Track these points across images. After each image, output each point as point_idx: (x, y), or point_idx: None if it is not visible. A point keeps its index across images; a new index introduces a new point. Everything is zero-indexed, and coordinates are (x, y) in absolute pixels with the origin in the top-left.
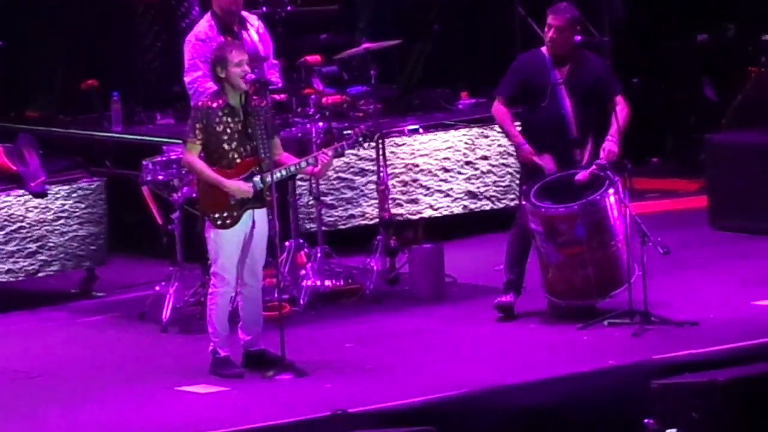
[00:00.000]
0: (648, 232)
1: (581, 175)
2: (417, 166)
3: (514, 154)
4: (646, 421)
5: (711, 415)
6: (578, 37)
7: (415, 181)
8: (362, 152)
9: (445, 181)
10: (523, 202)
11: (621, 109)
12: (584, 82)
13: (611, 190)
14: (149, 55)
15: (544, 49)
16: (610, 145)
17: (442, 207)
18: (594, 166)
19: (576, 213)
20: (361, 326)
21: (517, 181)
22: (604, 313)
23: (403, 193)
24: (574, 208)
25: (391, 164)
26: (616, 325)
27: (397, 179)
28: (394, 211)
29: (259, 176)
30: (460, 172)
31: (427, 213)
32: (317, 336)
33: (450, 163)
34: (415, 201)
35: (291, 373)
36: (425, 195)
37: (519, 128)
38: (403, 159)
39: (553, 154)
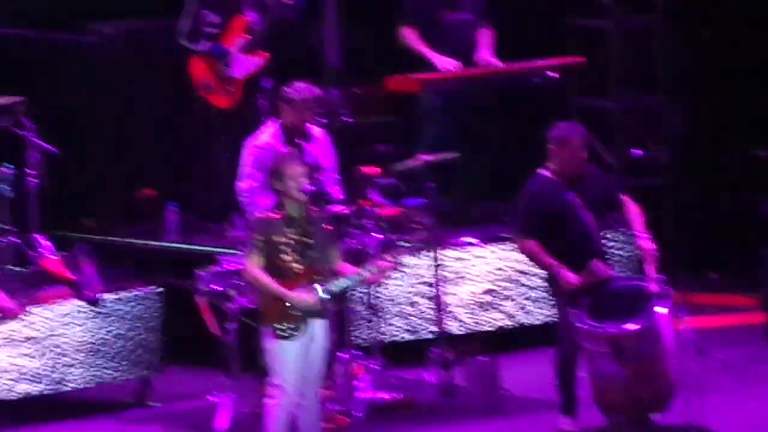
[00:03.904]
0: (705, 347)
1: (652, 287)
2: (473, 279)
3: None
4: None
5: None
6: (640, 152)
7: (471, 293)
8: (418, 264)
9: (501, 294)
10: (579, 325)
11: (633, 205)
12: (596, 194)
13: (665, 302)
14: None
15: (546, 172)
16: (647, 244)
17: (499, 320)
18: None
19: (644, 330)
20: None
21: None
22: (661, 428)
23: (459, 306)
24: (644, 325)
25: (447, 277)
26: None
27: (453, 292)
28: (449, 323)
29: (321, 287)
30: (516, 285)
31: (484, 326)
32: None
33: (506, 276)
34: (471, 314)
35: None
36: (482, 308)
37: None
38: (459, 272)
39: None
